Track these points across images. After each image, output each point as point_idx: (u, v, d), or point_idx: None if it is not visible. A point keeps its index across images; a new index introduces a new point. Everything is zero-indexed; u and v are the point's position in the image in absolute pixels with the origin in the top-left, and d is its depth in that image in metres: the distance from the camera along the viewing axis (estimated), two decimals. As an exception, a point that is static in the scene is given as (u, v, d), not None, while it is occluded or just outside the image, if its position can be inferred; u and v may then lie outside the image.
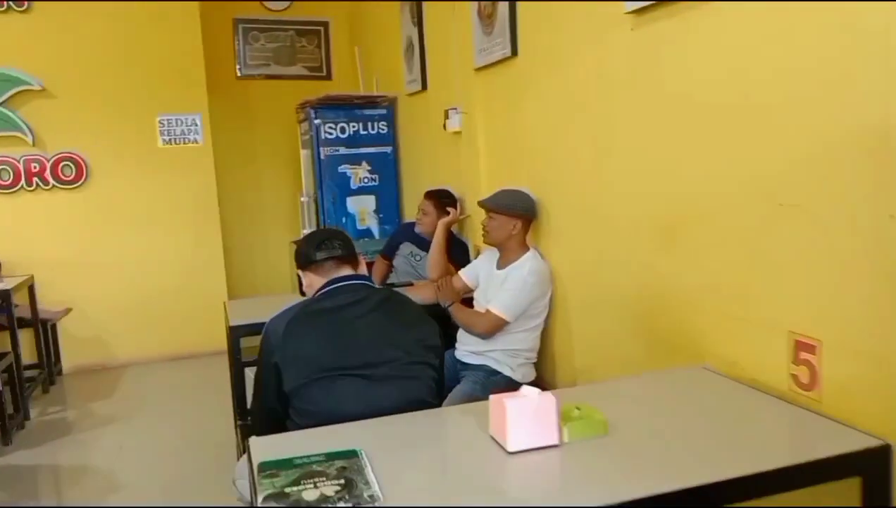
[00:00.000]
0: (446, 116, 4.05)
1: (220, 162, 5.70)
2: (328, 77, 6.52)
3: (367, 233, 5.19)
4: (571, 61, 2.74)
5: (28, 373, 4.74)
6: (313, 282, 2.06)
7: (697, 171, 2.07)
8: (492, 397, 1.60)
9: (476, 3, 3.53)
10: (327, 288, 2.00)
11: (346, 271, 2.05)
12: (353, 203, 5.16)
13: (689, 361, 2.12)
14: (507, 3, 3.18)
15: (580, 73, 2.69)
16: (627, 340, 2.49)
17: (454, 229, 3.92)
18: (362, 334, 1.92)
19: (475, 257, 3.76)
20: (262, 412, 1.98)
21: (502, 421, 1.54)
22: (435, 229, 3.78)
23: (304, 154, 5.49)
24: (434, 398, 2.00)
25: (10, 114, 5.11)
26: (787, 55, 1.73)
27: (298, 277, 2.19)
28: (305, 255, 2.08)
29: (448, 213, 3.82)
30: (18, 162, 5.18)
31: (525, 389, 1.57)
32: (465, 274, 3.22)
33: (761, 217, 1.84)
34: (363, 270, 2.11)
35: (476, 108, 3.70)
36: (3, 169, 5.16)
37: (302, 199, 5.58)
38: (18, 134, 5.14)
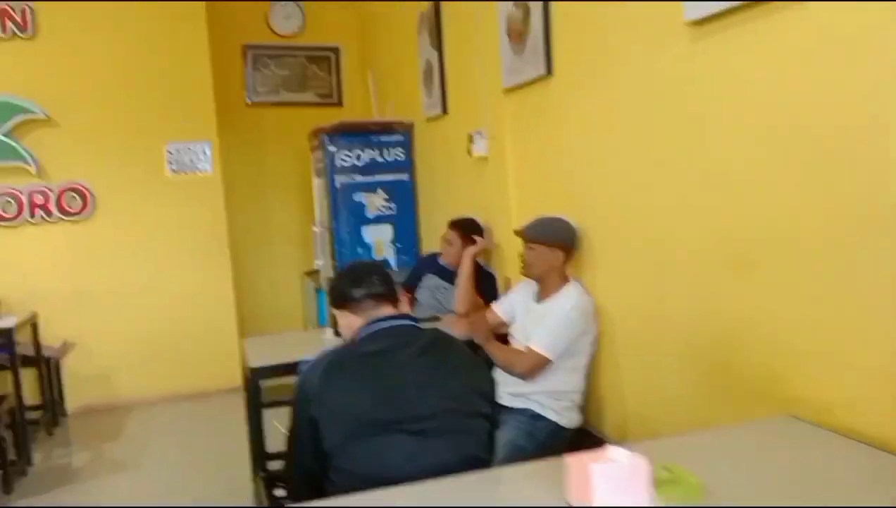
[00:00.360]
0: (470, 141, 3.87)
1: (228, 191, 5.52)
2: (340, 104, 6.37)
3: (384, 264, 4.98)
4: (618, 78, 2.56)
5: (31, 415, 4.52)
6: (351, 323, 1.85)
7: (775, 193, 1.87)
8: (569, 457, 1.38)
9: (505, 21, 3.36)
10: (368, 330, 1.79)
11: (387, 310, 1.84)
12: (369, 233, 4.96)
13: (769, 407, 1.90)
14: (541, 19, 3.01)
15: (628, 90, 2.50)
16: (689, 383, 2.27)
17: (480, 259, 3.71)
18: (409, 382, 1.71)
19: (503, 290, 3.56)
20: (299, 473, 1.75)
21: (586, 487, 1.32)
22: (460, 260, 3.58)
23: (318, 183, 5.30)
24: (489, 453, 1.78)
25: (13, 144, 4.95)
26: (888, 65, 1.54)
27: (332, 316, 1.98)
28: (341, 292, 1.87)
29: (474, 243, 3.62)
30: (22, 193, 5.00)
31: (611, 449, 1.35)
32: (499, 308, 3.01)
33: (855, 242, 1.64)
34: (405, 308, 1.90)
35: (505, 131, 3.51)
36: (6, 201, 4.98)
37: (315, 229, 5.38)
38: (22, 164, 4.97)
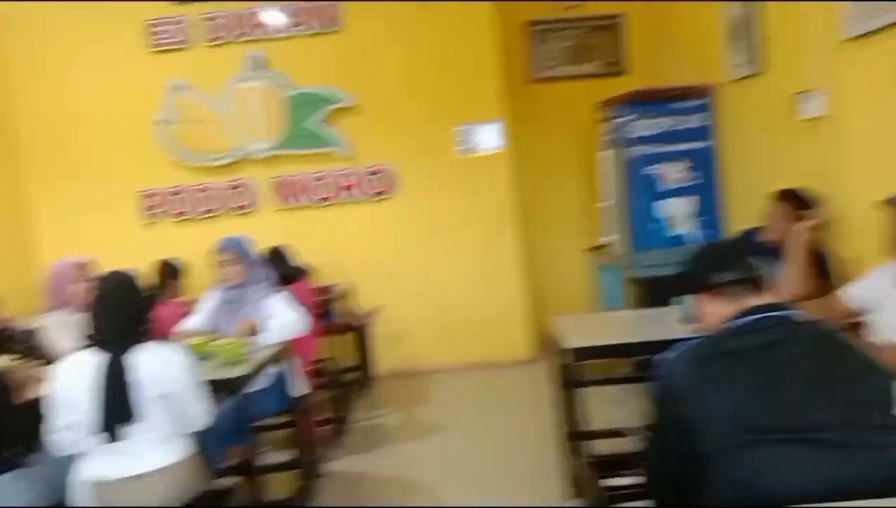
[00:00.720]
0: (795, 101, 3.42)
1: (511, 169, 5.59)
2: (624, 73, 6.09)
3: (678, 240, 4.65)
4: None
5: (346, 377, 4.96)
6: (715, 311, 1.64)
7: None
8: None
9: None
10: (740, 321, 1.57)
11: (759, 298, 1.61)
12: (663, 207, 4.67)
13: None
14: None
15: None
16: None
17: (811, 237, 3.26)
18: (796, 384, 1.46)
19: (838, 271, 3.10)
20: (661, 475, 1.61)
21: None
22: (786, 237, 3.17)
23: (606, 155, 5.11)
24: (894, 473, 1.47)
25: (326, 131, 5.43)
26: None
27: (685, 302, 1.80)
28: (702, 275, 1.68)
29: (802, 218, 3.18)
30: (334, 176, 5.49)
31: None
32: (850, 294, 2.59)
33: None
34: (776, 295, 1.65)
35: (847, 88, 3.03)
36: (321, 184, 5.50)
37: (603, 204, 5.21)
38: (335, 150, 5.44)
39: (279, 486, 3.23)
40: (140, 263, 4.26)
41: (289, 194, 5.52)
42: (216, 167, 5.50)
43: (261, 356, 3.02)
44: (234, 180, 5.53)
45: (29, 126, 5.50)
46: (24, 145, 5.51)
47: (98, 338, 2.31)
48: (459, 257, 5.53)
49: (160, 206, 5.56)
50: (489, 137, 5.49)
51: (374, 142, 5.46)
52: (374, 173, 5.48)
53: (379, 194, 5.50)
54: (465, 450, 3.95)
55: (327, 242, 5.39)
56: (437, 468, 3.73)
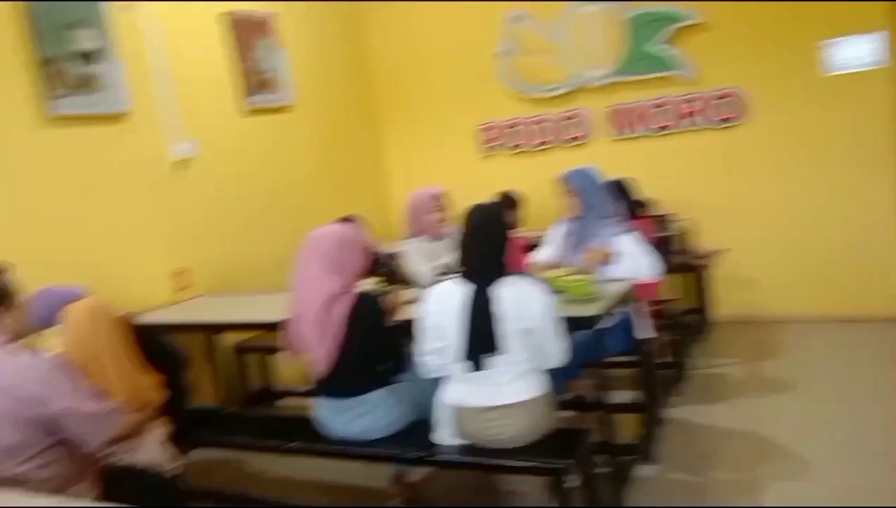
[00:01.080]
0: None
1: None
2: None
3: None
4: None
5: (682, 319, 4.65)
6: None
7: None
8: None
9: None
10: None
11: None
12: None
13: None
14: None
15: None
16: None
17: None
18: None
19: None
20: None
21: None
22: None
23: None
24: None
25: (669, 54, 4.99)
26: None
27: None
28: None
29: None
30: (675, 102, 5.07)
31: None
32: None
33: None
34: None
35: None
36: (660, 111, 5.12)
37: None
38: (678, 73, 4.99)
39: (618, 429, 3.11)
40: (480, 195, 4.39)
41: (624, 123, 5.24)
42: (552, 98, 5.41)
43: (611, 295, 2.87)
44: (569, 111, 5.40)
45: (380, 67, 5.95)
46: (378, 86, 5.98)
47: (465, 269, 2.35)
48: (823, 192, 4.78)
49: (497, 139, 5.67)
50: (867, 52, 4.57)
51: (723, 63, 4.88)
52: (721, 98, 4.93)
53: (726, 120, 4.95)
54: (824, 414, 3.45)
55: (665, 174, 5.02)
56: (791, 429, 3.32)
